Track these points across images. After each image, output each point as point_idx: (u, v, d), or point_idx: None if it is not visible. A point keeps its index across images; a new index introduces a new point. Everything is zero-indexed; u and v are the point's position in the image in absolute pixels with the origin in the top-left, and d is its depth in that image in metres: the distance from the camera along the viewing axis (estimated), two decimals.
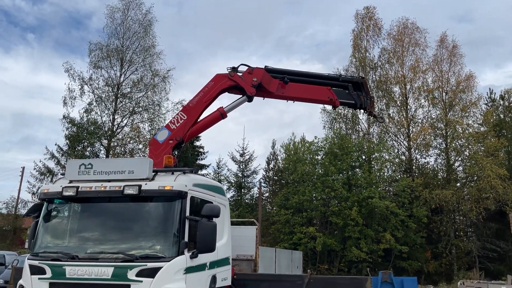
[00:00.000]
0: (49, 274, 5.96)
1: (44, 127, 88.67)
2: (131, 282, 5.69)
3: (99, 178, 6.37)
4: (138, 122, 34.49)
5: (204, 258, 6.54)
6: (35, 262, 6.13)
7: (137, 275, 5.70)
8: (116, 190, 6.16)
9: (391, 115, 38.47)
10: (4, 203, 37.20)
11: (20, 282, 6.21)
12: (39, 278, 5.99)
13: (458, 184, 35.48)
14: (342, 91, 11.78)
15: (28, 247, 6.63)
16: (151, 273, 5.71)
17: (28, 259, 6.29)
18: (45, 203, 6.62)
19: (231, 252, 7.93)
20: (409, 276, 24.27)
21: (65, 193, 6.30)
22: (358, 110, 12.78)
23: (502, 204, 31.39)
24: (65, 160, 31.74)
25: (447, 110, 36.52)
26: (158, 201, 6.33)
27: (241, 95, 10.55)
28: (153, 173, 6.47)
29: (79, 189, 6.28)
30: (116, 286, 5.74)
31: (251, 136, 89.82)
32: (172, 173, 6.62)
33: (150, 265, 5.76)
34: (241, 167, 43.06)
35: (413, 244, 32.20)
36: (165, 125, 9.95)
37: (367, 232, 31.24)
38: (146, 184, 6.20)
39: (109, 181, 6.32)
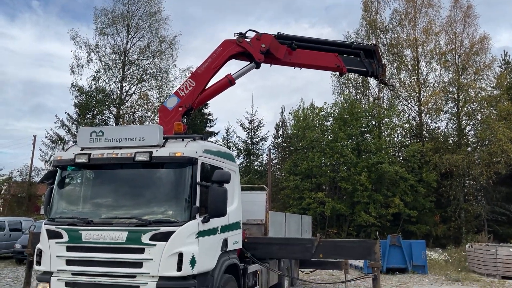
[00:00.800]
0: (66, 238, 6.14)
1: (54, 96, 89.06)
2: (145, 245, 5.85)
3: (110, 145, 6.43)
4: (146, 90, 34.45)
5: (216, 222, 6.66)
6: (52, 227, 6.31)
7: (151, 239, 5.85)
8: (128, 157, 6.23)
9: (402, 80, 37.85)
10: (18, 171, 37.95)
11: (39, 246, 6.41)
12: (56, 242, 6.18)
13: (469, 149, 35.25)
14: (354, 59, 11.67)
15: (44, 213, 6.80)
16: (164, 237, 5.85)
17: (45, 224, 6.47)
18: (58, 170, 6.74)
19: (241, 216, 8.06)
20: (417, 239, 24.53)
21: (78, 160, 6.40)
22: (370, 77, 12.64)
23: None
24: (75, 128, 32.03)
25: (460, 73, 35.80)
26: (169, 168, 6.40)
27: (249, 62, 10.45)
28: (164, 140, 6.51)
29: (91, 156, 6.37)
30: (131, 250, 5.90)
31: (259, 103, 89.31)
32: (182, 140, 6.66)
33: (163, 229, 5.89)
34: (250, 134, 43.19)
35: (422, 209, 32.43)
36: (174, 92, 9.93)
37: (376, 197, 31.45)
38: (157, 151, 6.25)
39: (120, 148, 6.38)
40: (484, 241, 23.31)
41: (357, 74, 34.03)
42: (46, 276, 6.21)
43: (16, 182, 37.27)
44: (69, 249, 6.14)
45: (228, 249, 7.23)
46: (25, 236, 18.07)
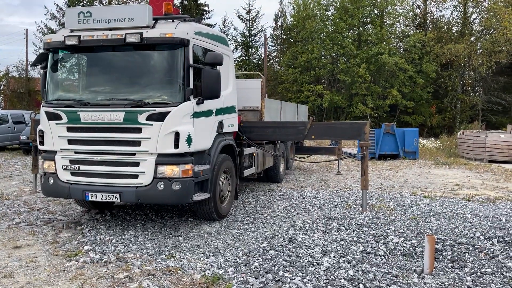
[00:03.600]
0: (65, 119, 6.33)
1: None
2: (142, 125, 6.05)
3: (99, 26, 6.28)
4: None
5: (210, 104, 6.81)
6: (50, 109, 6.45)
7: (147, 119, 6.02)
8: (118, 38, 6.13)
9: None
10: (14, 66, 37.50)
11: (40, 127, 6.63)
12: (56, 123, 6.39)
13: (472, 38, 34.44)
14: None
15: (42, 96, 6.92)
16: (161, 117, 6.03)
17: (43, 106, 6.62)
18: (50, 53, 6.69)
19: (236, 101, 8.20)
20: None
21: (68, 42, 6.30)
22: None
23: None
24: None
25: None
26: (161, 49, 6.33)
27: None
28: (154, 21, 6.36)
29: (81, 38, 6.26)
30: (128, 130, 6.12)
31: None
32: (173, 21, 6.51)
33: (159, 110, 6.05)
34: (248, 25, 41.77)
35: (419, 100, 32.76)
36: None
37: (374, 89, 31.57)
38: (147, 32, 6.13)
39: (110, 29, 6.26)
40: (476, 129, 23.95)
41: None
42: (50, 155, 6.54)
43: (13, 77, 37.02)
44: (69, 129, 6.38)
45: (224, 131, 7.50)
46: (29, 128, 18.59)
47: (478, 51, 33.00)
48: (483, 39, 33.56)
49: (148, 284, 4.58)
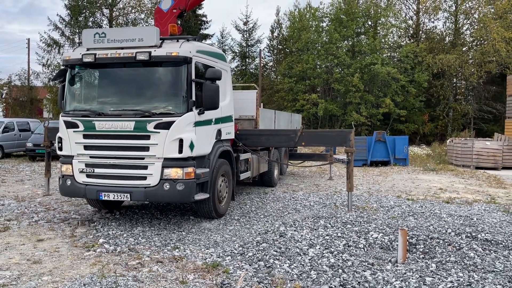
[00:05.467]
0: (81, 127, 7.15)
1: None
2: (150, 133, 6.87)
3: (112, 46, 7.11)
4: None
5: (210, 114, 7.63)
6: (69, 118, 7.29)
7: (155, 127, 6.86)
8: (129, 56, 6.96)
9: None
10: (17, 75, 38.15)
11: (59, 134, 7.45)
12: (74, 131, 7.21)
13: (464, 49, 35.49)
14: None
15: (59, 107, 7.72)
16: (167, 125, 6.85)
17: (61, 116, 7.45)
18: (68, 69, 7.52)
19: (233, 112, 9.02)
20: None
21: (85, 60, 7.13)
22: None
23: (504, 68, 31.90)
24: (69, 31, 31.80)
25: None
26: (167, 66, 7.17)
27: None
28: (160, 41, 7.19)
29: (97, 56, 7.09)
30: (138, 137, 6.94)
31: (254, 3, 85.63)
32: (177, 41, 7.33)
33: (165, 119, 6.88)
34: (245, 36, 42.76)
35: (411, 108, 33.66)
36: None
37: (368, 98, 32.46)
38: (155, 50, 6.96)
39: (122, 48, 7.08)
40: (466, 137, 24.79)
41: None
42: (68, 159, 7.35)
43: (16, 86, 37.71)
44: (85, 136, 7.19)
45: (222, 138, 8.32)
46: (34, 135, 19.37)
47: (470, 61, 34.03)
48: (474, 50, 34.61)
49: (157, 268, 5.34)
